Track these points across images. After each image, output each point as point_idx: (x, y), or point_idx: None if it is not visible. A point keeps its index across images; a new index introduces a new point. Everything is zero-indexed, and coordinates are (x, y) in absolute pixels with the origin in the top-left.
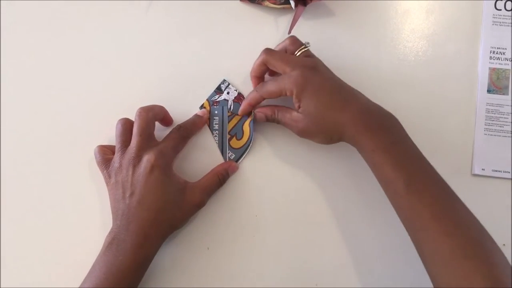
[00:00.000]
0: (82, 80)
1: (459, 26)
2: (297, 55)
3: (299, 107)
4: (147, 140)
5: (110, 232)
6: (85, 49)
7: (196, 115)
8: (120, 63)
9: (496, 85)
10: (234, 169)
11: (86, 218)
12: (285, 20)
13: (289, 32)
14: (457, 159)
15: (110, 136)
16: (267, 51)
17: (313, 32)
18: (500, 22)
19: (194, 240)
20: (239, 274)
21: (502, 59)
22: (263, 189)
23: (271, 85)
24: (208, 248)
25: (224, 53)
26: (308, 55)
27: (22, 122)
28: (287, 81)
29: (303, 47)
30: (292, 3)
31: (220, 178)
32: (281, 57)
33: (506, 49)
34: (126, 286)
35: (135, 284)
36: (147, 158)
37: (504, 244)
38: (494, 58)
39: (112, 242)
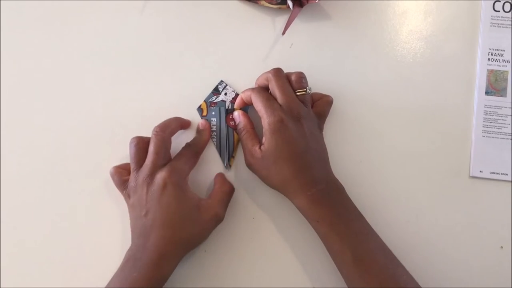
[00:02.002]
0: (77, 80)
1: (457, 28)
2: (296, 93)
3: (263, 145)
4: (163, 159)
5: (128, 250)
6: (79, 51)
7: (200, 130)
8: (115, 65)
9: (494, 87)
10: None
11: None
12: (282, 20)
13: (283, 33)
14: (455, 161)
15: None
16: (276, 72)
17: (310, 34)
18: (498, 24)
19: None
20: (237, 277)
21: (500, 60)
22: (260, 191)
23: (259, 102)
24: (205, 251)
25: (221, 53)
26: (303, 100)
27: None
28: (269, 117)
29: (303, 90)
30: (290, 3)
31: (230, 186)
32: (282, 87)
33: (504, 50)
34: None
35: None
36: (160, 176)
37: (501, 247)
38: (492, 59)
39: (129, 259)
